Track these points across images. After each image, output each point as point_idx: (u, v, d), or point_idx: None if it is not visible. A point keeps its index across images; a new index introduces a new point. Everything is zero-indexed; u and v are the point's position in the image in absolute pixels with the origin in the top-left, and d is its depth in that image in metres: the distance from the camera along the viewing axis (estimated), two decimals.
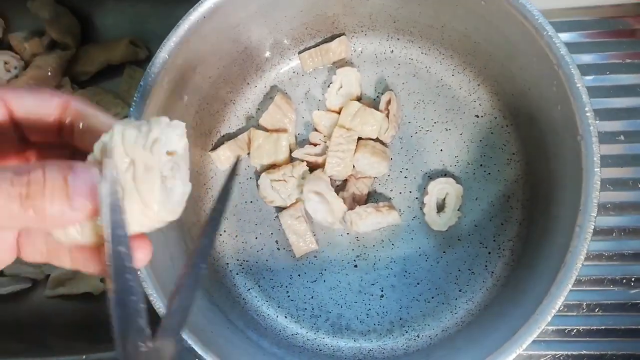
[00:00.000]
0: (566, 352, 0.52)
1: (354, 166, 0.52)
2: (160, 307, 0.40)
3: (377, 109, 0.53)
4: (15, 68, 0.64)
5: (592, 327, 0.52)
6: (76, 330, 0.62)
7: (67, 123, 0.28)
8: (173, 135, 0.26)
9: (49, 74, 0.62)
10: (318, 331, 0.52)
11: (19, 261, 0.64)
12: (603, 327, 0.52)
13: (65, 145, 0.29)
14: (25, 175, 0.23)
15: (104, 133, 0.25)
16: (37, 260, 0.29)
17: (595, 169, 0.37)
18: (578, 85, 0.37)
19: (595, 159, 0.37)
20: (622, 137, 0.54)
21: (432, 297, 0.52)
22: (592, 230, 0.36)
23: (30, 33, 0.66)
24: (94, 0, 0.67)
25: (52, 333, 0.62)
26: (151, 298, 0.40)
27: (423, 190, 0.53)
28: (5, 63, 0.64)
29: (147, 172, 0.24)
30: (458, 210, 0.52)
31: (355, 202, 0.53)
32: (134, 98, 0.41)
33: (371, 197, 0.54)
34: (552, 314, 0.36)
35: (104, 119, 0.28)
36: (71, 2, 0.65)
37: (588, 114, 0.37)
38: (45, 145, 0.30)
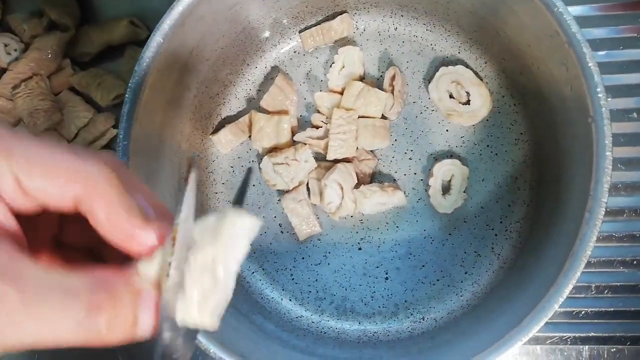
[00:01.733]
0: (574, 334, 0.51)
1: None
2: None
3: (381, 87, 0.52)
4: (15, 50, 0.63)
5: (600, 309, 0.51)
6: (89, 353, 0.62)
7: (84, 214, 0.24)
8: (234, 255, 0.23)
9: (49, 55, 0.61)
10: (322, 314, 0.52)
11: None
12: (612, 309, 0.51)
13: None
14: (96, 313, 0.21)
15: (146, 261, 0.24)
16: None
17: (607, 153, 0.35)
18: (590, 64, 0.36)
19: (607, 142, 0.35)
20: (635, 115, 0.52)
21: (438, 280, 0.51)
22: (602, 217, 0.35)
23: (29, 14, 0.65)
24: None
25: (66, 353, 0.63)
26: None
27: (428, 171, 0.52)
28: (5, 45, 0.63)
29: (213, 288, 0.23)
30: (464, 192, 0.51)
31: (359, 182, 0.52)
32: (129, 84, 0.40)
33: (375, 179, 0.53)
34: (560, 303, 0.36)
35: (125, 223, 0.24)
36: None
37: (600, 95, 0.35)
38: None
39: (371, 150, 0.53)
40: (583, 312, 0.51)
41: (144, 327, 0.23)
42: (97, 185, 0.23)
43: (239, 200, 0.27)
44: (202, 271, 0.23)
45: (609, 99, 0.51)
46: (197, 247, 0.23)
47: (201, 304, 0.23)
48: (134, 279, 0.23)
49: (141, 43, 0.63)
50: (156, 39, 0.41)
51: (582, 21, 0.54)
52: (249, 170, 0.27)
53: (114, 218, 0.23)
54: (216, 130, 0.54)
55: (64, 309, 0.20)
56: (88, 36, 0.63)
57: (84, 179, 0.22)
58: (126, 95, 0.41)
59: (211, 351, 0.39)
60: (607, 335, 0.50)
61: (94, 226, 0.23)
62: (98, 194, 0.23)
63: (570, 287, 0.35)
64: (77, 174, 0.22)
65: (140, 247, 0.24)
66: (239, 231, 0.23)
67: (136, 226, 0.23)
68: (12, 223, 0.22)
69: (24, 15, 0.64)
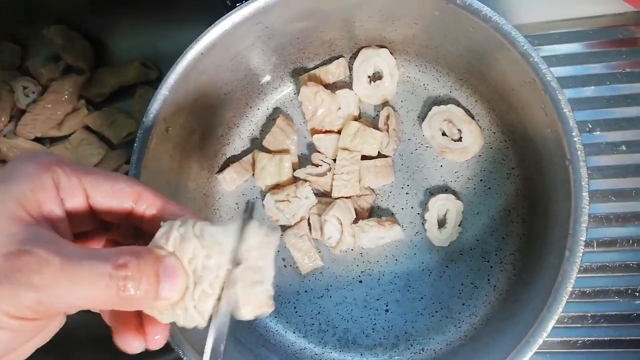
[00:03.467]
0: None
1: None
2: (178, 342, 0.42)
3: (376, 126, 0.55)
4: (34, 93, 0.67)
5: (597, 339, 0.52)
6: (100, 343, 0.65)
7: (138, 212, 0.31)
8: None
9: (66, 97, 0.65)
10: (325, 346, 0.54)
11: None
12: (608, 339, 0.52)
13: (130, 224, 0.32)
14: (123, 270, 0.26)
15: (168, 222, 0.29)
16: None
17: (584, 193, 0.37)
18: (565, 110, 0.38)
19: (583, 183, 0.37)
20: (623, 147, 0.53)
21: (436, 311, 0.53)
22: (581, 255, 0.37)
23: (46, 59, 0.69)
24: (105, 25, 0.69)
25: (76, 347, 0.65)
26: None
27: (424, 205, 0.54)
28: (24, 88, 0.67)
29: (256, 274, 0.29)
30: (459, 226, 0.53)
31: (358, 217, 0.54)
32: (137, 134, 0.44)
33: (374, 213, 0.55)
34: (544, 337, 0.37)
35: (173, 208, 0.32)
36: (84, 28, 0.68)
37: (575, 139, 0.37)
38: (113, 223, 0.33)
39: (369, 186, 0.55)
40: (580, 342, 0.52)
41: (166, 288, 0.27)
42: (148, 189, 0.31)
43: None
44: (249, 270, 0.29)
45: (598, 133, 0.53)
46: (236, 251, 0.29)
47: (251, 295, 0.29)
48: (155, 249, 0.28)
49: (151, 83, 0.67)
50: (162, 92, 0.44)
51: (571, 58, 0.56)
52: (251, 205, 0.32)
53: (166, 204, 0.31)
54: (221, 169, 0.57)
55: (96, 268, 0.25)
56: (102, 78, 0.67)
57: (137, 184, 0.31)
58: (135, 144, 0.44)
59: None
60: None
61: (147, 213, 0.31)
62: (146, 191, 0.31)
63: (553, 321, 0.37)
64: (132, 182, 0.31)
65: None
66: (268, 238, 0.30)
67: (181, 212, 0.31)
68: (61, 216, 0.29)
69: (42, 60, 0.68)
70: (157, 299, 0.27)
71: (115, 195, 0.30)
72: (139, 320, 0.31)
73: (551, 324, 0.37)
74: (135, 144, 0.44)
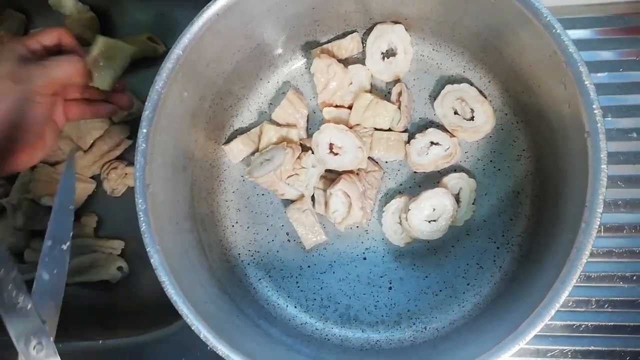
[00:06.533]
0: (574, 348, 0.52)
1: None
2: (171, 292, 0.41)
3: (388, 101, 0.54)
4: None
5: (600, 323, 0.52)
6: (93, 316, 0.64)
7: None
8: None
9: None
10: (327, 321, 0.53)
11: (38, 248, 0.67)
12: (612, 324, 0.52)
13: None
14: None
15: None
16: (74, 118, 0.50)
17: (602, 166, 0.37)
18: (586, 82, 0.38)
19: (602, 155, 0.37)
20: (634, 134, 0.53)
21: (440, 290, 0.52)
22: (597, 227, 0.37)
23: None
24: None
25: (69, 319, 0.64)
26: (163, 284, 0.41)
27: (433, 184, 0.53)
28: None
29: None
30: (472, 204, 0.52)
31: (366, 196, 0.54)
32: (150, 91, 0.43)
33: (381, 191, 0.55)
34: (557, 308, 0.37)
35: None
36: None
37: (596, 111, 0.37)
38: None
39: (377, 162, 0.55)
40: (583, 326, 0.52)
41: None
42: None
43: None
44: None
45: (610, 119, 0.53)
46: None
47: None
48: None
49: (158, 58, 0.66)
50: (176, 52, 0.43)
51: (584, 44, 0.56)
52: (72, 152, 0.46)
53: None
54: (228, 140, 0.56)
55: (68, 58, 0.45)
56: None
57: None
58: (147, 103, 0.43)
59: (219, 349, 0.40)
60: (606, 349, 0.51)
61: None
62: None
63: (566, 293, 0.36)
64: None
65: None
66: None
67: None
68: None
69: None
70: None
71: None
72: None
73: (565, 294, 0.36)
74: (147, 102, 0.43)
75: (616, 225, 0.53)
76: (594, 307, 0.52)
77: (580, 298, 0.52)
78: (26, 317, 0.40)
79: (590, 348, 0.52)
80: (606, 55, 0.56)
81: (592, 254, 0.52)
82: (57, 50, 0.47)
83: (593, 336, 0.52)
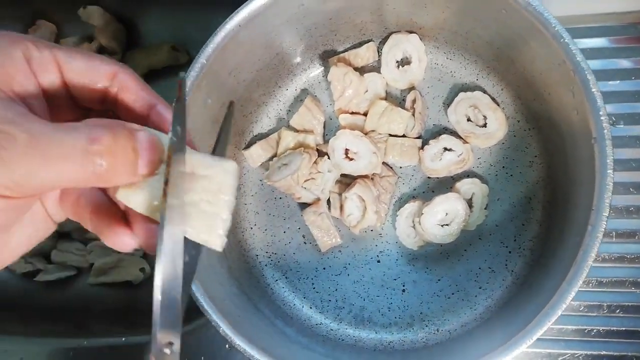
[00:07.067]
0: (585, 352, 0.52)
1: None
2: (193, 288, 0.43)
3: (403, 109, 0.56)
4: None
5: (612, 328, 0.52)
6: (116, 315, 0.67)
7: (112, 92, 0.29)
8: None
9: None
10: (341, 322, 0.55)
11: (65, 249, 0.68)
12: (623, 329, 0.52)
13: (107, 112, 0.31)
14: (97, 144, 0.24)
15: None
16: (68, 216, 0.31)
17: (608, 171, 0.38)
18: (593, 90, 0.39)
19: (608, 160, 0.38)
20: None
21: (452, 294, 0.54)
22: (603, 229, 0.38)
23: (80, 39, 0.71)
24: (138, 8, 0.71)
25: (93, 317, 0.67)
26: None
27: (446, 190, 0.54)
28: None
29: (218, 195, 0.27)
30: (484, 209, 0.54)
31: (380, 200, 0.55)
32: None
33: (395, 195, 0.56)
34: (563, 308, 0.38)
35: (147, 95, 0.30)
36: (118, 10, 0.70)
37: (602, 118, 0.38)
38: (92, 112, 0.31)
39: (391, 167, 0.56)
40: (595, 331, 0.53)
41: (142, 164, 0.26)
42: (125, 69, 0.29)
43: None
44: (207, 199, 0.27)
45: (622, 126, 0.54)
46: (199, 178, 0.27)
47: (209, 226, 0.27)
48: (127, 123, 0.26)
49: (181, 67, 0.69)
50: (200, 60, 0.45)
51: (598, 52, 0.57)
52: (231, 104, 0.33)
53: (142, 88, 0.30)
54: (248, 145, 0.59)
55: (66, 141, 0.24)
56: (133, 59, 0.69)
57: (114, 63, 0.29)
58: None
59: (237, 344, 0.42)
60: (618, 354, 0.52)
61: (123, 96, 0.29)
62: (127, 73, 0.29)
63: (573, 293, 0.37)
64: (109, 60, 0.29)
65: (158, 117, 0.30)
66: (231, 172, 0.28)
67: (156, 100, 0.30)
68: (34, 92, 0.27)
69: (76, 40, 0.70)
70: (135, 174, 0.26)
71: (90, 71, 0.28)
72: (123, 216, 0.30)
73: (571, 295, 0.37)
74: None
75: (628, 232, 0.53)
76: (605, 312, 0.53)
77: (592, 303, 0.53)
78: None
79: (602, 353, 0.52)
80: (620, 63, 0.57)
81: (603, 260, 0.53)
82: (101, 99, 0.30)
83: (604, 341, 0.52)
